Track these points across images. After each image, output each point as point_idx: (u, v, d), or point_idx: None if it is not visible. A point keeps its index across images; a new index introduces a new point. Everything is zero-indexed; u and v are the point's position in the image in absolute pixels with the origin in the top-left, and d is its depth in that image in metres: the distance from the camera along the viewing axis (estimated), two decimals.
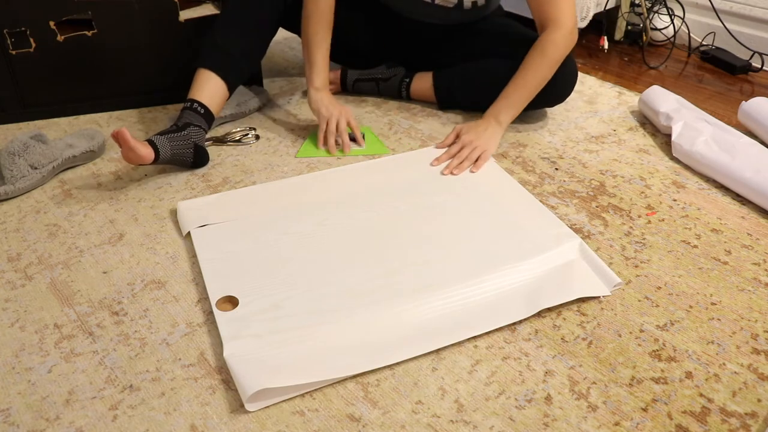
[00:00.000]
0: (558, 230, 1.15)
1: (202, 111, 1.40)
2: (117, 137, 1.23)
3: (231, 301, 1.01)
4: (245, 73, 1.52)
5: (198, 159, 1.37)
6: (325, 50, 1.46)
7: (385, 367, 0.91)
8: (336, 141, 1.44)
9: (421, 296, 1.01)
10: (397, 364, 0.91)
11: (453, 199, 1.25)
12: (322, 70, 1.47)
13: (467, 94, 1.56)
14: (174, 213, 1.24)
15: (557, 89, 1.50)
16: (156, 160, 1.29)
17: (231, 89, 1.47)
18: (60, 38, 1.50)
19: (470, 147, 1.37)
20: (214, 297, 1.01)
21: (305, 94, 1.73)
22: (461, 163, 1.35)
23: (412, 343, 0.93)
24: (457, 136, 1.43)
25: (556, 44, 1.38)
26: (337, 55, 1.76)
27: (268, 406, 0.85)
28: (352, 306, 0.99)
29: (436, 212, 1.21)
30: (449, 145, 1.42)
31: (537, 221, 1.18)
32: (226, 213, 1.21)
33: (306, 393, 0.87)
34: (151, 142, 1.29)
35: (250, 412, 0.84)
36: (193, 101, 1.40)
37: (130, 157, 1.25)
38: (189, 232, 1.17)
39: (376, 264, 1.08)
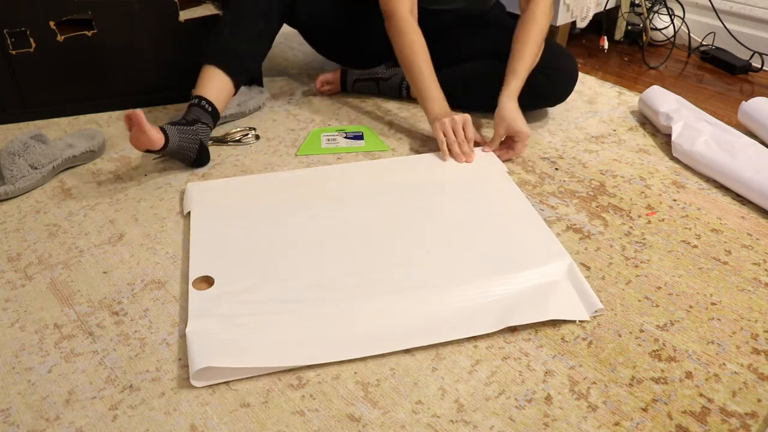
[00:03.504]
0: (550, 246, 1.11)
1: (210, 109, 1.40)
2: (131, 118, 1.22)
3: (207, 281, 1.03)
4: (251, 70, 1.53)
5: (200, 157, 1.37)
6: (435, 80, 1.42)
7: (385, 367, 0.91)
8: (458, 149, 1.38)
9: (399, 295, 1.01)
10: (397, 364, 0.91)
11: (449, 205, 1.24)
12: (438, 100, 1.41)
13: (468, 93, 1.56)
14: (174, 212, 1.24)
15: (558, 89, 1.50)
16: (164, 148, 1.28)
17: (237, 87, 1.47)
18: (60, 38, 1.50)
19: (525, 140, 1.39)
20: (193, 275, 1.03)
21: (305, 94, 1.73)
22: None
23: (376, 342, 0.93)
24: (510, 134, 1.38)
25: (546, 12, 1.43)
26: (336, 55, 1.76)
27: (267, 405, 0.85)
28: (323, 299, 1.00)
29: (429, 216, 1.20)
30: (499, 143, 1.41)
31: (531, 234, 1.15)
32: (226, 198, 1.24)
33: (306, 393, 0.87)
34: (162, 129, 1.28)
35: (250, 412, 0.84)
36: (201, 98, 1.40)
37: (141, 140, 1.24)
38: (189, 212, 1.20)
39: (357, 261, 1.08)
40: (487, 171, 1.34)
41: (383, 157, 1.43)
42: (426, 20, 1.57)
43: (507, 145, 1.40)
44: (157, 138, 1.26)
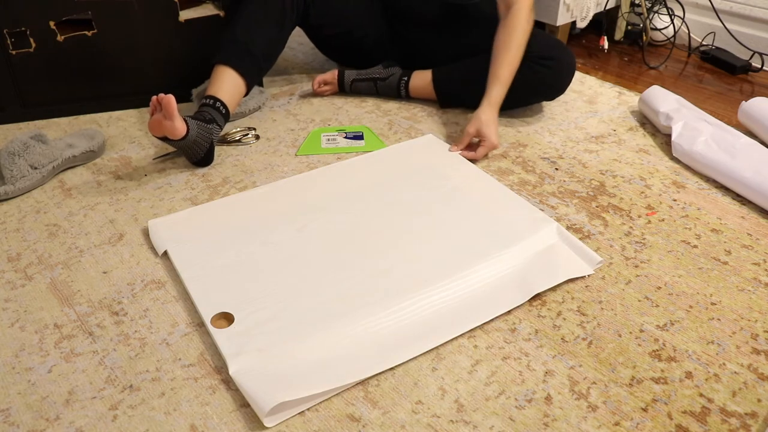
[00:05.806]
0: (534, 215, 1.18)
1: (224, 111, 1.41)
2: (160, 102, 1.21)
3: (226, 318, 0.98)
4: (264, 71, 1.53)
5: (207, 156, 1.37)
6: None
7: None
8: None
9: (416, 294, 1.01)
10: (397, 364, 0.91)
11: (426, 194, 1.26)
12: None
13: (468, 90, 1.56)
14: (174, 213, 1.24)
15: (557, 80, 1.50)
16: (182, 139, 1.28)
17: (248, 89, 1.48)
18: (60, 38, 1.50)
19: (489, 148, 1.40)
20: (207, 315, 0.98)
21: (305, 94, 1.73)
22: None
23: (416, 341, 0.93)
24: (479, 137, 1.40)
25: (528, 19, 1.42)
26: (338, 53, 1.76)
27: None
28: (348, 310, 0.98)
29: (413, 209, 1.22)
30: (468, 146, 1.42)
31: (512, 209, 1.21)
32: (200, 228, 1.17)
33: None
34: (185, 121, 1.28)
35: (250, 412, 0.84)
36: (216, 99, 1.40)
37: (164, 126, 1.24)
38: (166, 251, 1.12)
39: (364, 266, 1.07)
40: (444, 157, 1.40)
41: None
42: (412, 13, 1.57)
43: (471, 148, 1.41)
44: (181, 128, 1.26)
